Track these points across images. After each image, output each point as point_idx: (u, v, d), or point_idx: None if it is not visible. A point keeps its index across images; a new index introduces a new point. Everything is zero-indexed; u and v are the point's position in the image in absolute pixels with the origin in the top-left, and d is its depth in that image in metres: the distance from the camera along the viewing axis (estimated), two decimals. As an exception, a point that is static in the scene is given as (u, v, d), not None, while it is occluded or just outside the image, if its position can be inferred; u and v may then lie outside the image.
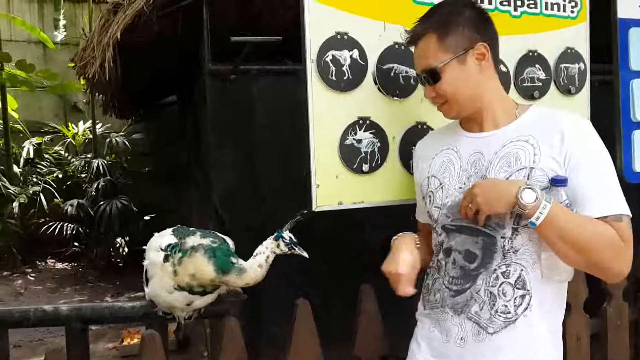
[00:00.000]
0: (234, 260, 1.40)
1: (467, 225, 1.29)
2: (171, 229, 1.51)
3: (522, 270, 1.24)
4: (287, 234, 1.41)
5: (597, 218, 1.18)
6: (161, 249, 1.43)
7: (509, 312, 1.24)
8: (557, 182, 1.20)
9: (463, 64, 1.29)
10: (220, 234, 1.51)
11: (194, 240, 1.43)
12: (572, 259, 1.20)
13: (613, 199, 1.20)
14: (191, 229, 1.51)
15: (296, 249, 1.41)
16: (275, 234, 1.42)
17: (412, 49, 1.40)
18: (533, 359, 1.26)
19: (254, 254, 1.41)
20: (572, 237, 1.16)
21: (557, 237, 1.17)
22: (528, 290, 1.24)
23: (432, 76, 1.32)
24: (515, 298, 1.24)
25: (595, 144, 1.25)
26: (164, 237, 1.47)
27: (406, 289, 1.33)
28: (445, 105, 1.36)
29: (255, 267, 1.39)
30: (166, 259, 1.41)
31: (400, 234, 1.45)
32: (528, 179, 1.22)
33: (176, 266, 1.39)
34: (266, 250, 1.40)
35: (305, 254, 1.42)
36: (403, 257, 1.36)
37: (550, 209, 1.14)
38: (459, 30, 1.29)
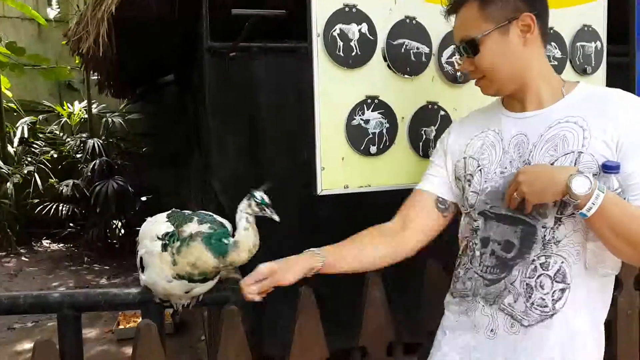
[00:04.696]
0: (225, 240, 1.33)
1: (506, 214, 1.21)
2: (165, 214, 1.44)
3: (562, 262, 1.16)
4: (259, 194, 1.32)
5: None
6: (158, 238, 1.36)
7: (546, 306, 1.16)
8: (610, 168, 1.09)
9: (506, 35, 1.19)
10: (218, 217, 1.44)
11: (191, 227, 1.36)
12: (623, 253, 1.11)
13: None
14: (186, 213, 1.43)
15: (267, 210, 1.31)
16: (248, 193, 1.34)
17: (452, 18, 1.29)
18: (571, 356, 1.18)
19: (237, 217, 1.34)
20: (626, 229, 1.06)
21: (609, 229, 1.07)
22: (568, 284, 1.16)
23: (471, 47, 1.22)
24: (554, 292, 1.16)
25: None
26: (160, 225, 1.39)
27: (249, 289, 1.20)
28: (484, 81, 1.26)
29: (242, 233, 1.32)
30: (164, 248, 1.34)
31: (310, 250, 1.29)
32: (575, 164, 1.13)
33: (175, 256, 1.33)
34: (241, 213, 1.33)
35: (276, 218, 1.31)
36: (274, 266, 1.22)
37: (604, 198, 1.05)
38: None
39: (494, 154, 1.26)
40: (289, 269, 1.23)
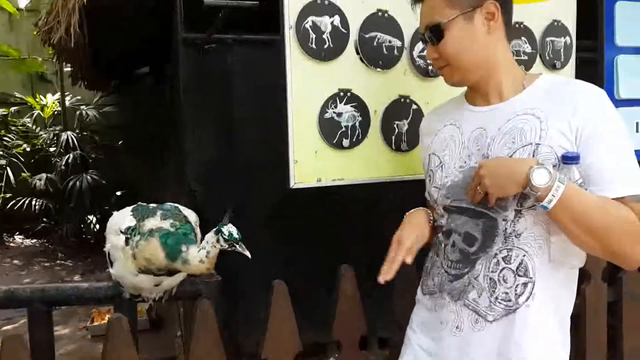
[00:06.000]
0: (183, 248, 1.30)
1: (468, 207, 1.21)
2: (130, 208, 1.43)
3: (524, 255, 1.16)
4: (226, 229, 1.27)
5: (614, 199, 1.07)
6: (121, 232, 1.35)
7: (510, 300, 1.16)
8: (569, 159, 1.09)
9: (470, 22, 1.20)
10: (184, 210, 1.43)
11: (152, 222, 1.35)
12: (587, 245, 1.10)
13: (631, 177, 1.09)
14: (152, 206, 1.42)
15: (237, 246, 1.28)
16: (216, 227, 1.30)
17: (418, 6, 1.29)
18: (538, 350, 1.17)
19: (201, 245, 1.31)
20: (588, 221, 1.05)
21: (571, 221, 1.06)
22: (531, 278, 1.15)
23: (435, 34, 1.22)
24: (517, 286, 1.16)
25: (611, 116, 1.13)
26: (124, 218, 1.38)
27: (403, 259, 1.23)
28: (447, 69, 1.26)
29: (196, 261, 1.29)
30: (127, 242, 1.33)
31: (414, 209, 1.36)
32: (533, 156, 1.12)
33: (134, 249, 1.32)
34: (207, 245, 1.30)
35: (247, 254, 1.28)
36: (414, 234, 1.28)
37: (564, 190, 1.04)
38: None
39: (454, 148, 1.27)
40: (424, 230, 1.30)
